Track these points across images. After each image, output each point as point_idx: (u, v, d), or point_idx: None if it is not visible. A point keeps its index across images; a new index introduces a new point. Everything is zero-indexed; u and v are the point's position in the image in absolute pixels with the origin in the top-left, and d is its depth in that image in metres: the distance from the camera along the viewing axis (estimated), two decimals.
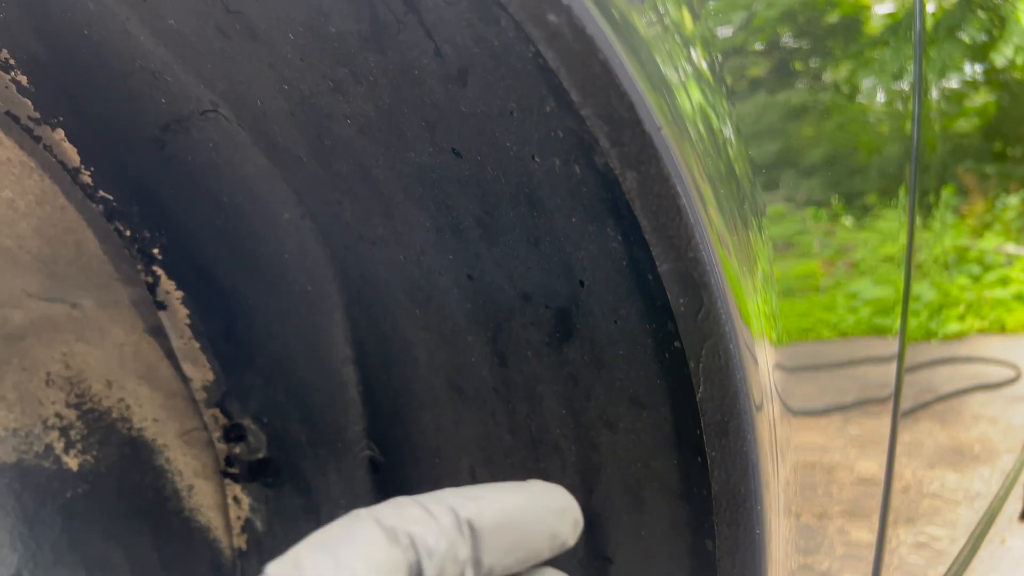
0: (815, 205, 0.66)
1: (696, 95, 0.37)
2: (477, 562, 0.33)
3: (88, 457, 0.69)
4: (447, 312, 0.51)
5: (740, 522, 0.42)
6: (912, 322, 0.93)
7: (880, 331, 0.86)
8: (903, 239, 0.86)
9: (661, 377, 0.44)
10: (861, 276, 0.80)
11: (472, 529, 0.33)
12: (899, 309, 0.88)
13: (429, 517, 0.32)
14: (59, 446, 0.69)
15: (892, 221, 0.83)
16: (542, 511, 0.37)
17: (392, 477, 0.63)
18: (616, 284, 0.42)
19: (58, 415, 0.68)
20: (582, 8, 0.26)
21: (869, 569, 0.95)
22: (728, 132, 0.39)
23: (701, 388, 0.40)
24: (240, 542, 0.71)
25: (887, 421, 0.89)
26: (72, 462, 0.69)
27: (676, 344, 0.40)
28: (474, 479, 0.57)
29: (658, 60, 0.33)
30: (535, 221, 0.42)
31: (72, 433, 0.69)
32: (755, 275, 0.42)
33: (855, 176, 0.76)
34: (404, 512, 0.33)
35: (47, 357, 0.66)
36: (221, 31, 0.41)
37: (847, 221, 0.74)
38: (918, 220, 0.88)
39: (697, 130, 0.36)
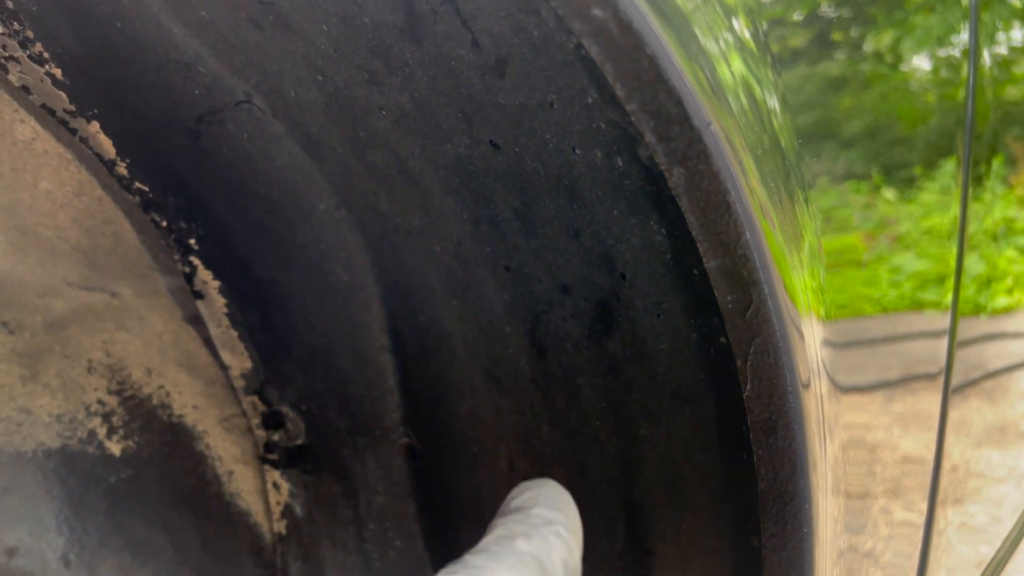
0: (856, 178, 0.64)
1: (738, 65, 0.36)
2: None
3: (130, 443, 0.70)
4: (484, 303, 0.50)
5: (787, 520, 0.41)
6: (960, 295, 0.91)
7: (924, 306, 0.84)
8: (952, 211, 0.84)
9: (705, 372, 0.43)
10: (904, 250, 0.78)
11: None
12: (946, 283, 0.86)
13: None
14: (102, 432, 0.69)
15: (937, 193, 0.81)
16: None
17: (430, 465, 0.62)
18: (659, 278, 0.41)
19: (100, 402, 0.68)
20: (628, 1, 0.25)
21: (912, 549, 0.94)
22: (773, 103, 0.38)
23: (749, 386, 0.38)
24: (280, 527, 0.71)
25: (931, 398, 0.87)
26: (115, 448, 0.70)
27: (722, 339, 0.39)
28: (512, 469, 0.57)
29: (697, 32, 0.31)
30: (575, 213, 0.41)
31: (114, 419, 0.69)
32: (802, 249, 0.40)
33: (897, 147, 0.74)
34: None
35: (88, 345, 0.66)
36: (254, 22, 0.40)
37: (889, 194, 0.71)
38: (969, 191, 0.85)
39: (739, 102, 0.35)
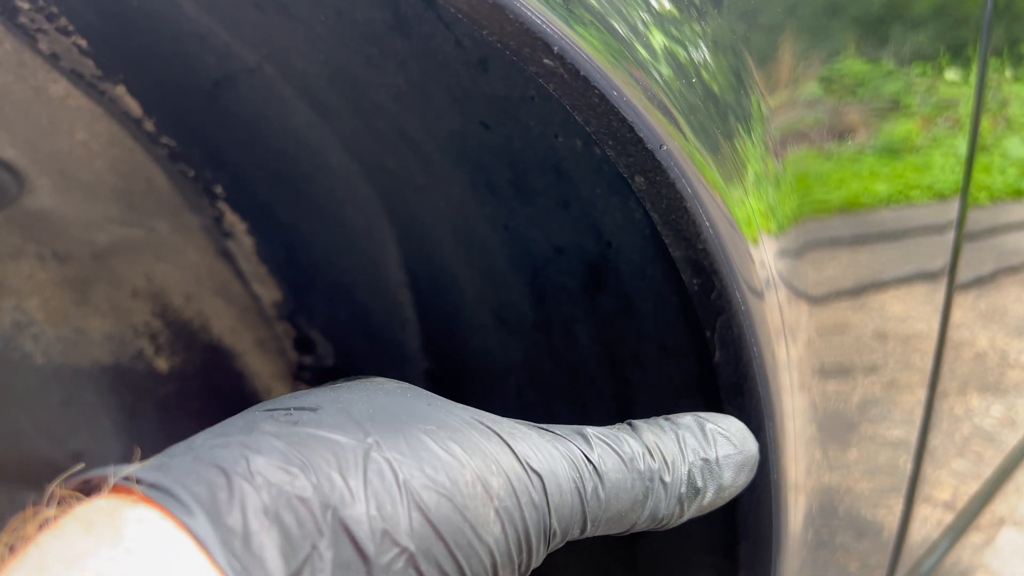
0: (922, 59, 0.63)
1: (659, 39, 0.36)
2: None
3: (175, 360, 0.76)
4: (488, 254, 0.53)
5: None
6: (998, 180, 0.90)
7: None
8: (1005, 90, 0.82)
9: (686, 330, 0.46)
10: (964, 133, 0.76)
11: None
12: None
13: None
14: (149, 350, 0.75)
15: (999, 72, 0.79)
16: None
17: (448, 390, 0.67)
18: (641, 248, 0.44)
19: (146, 324, 0.74)
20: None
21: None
22: (700, 55, 0.38)
23: (717, 353, 0.42)
24: None
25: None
26: (162, 365, 0.76)
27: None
28: (520, 398, 0.62)
29: (615, 25, 0.32)
30: (562, 188, 0.43)
31: (160, 339, 0.75)
32: (746, 178, 0.42)
33: (961, 26, 0.71)
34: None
35: (131, 274, 0.72)
36: (255, 4, 0.42)
37: (951, 75, 0.70)
38: (1008, 72, 0.83)
39: (661, 73, 0.36)
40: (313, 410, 0.31)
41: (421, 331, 0.66)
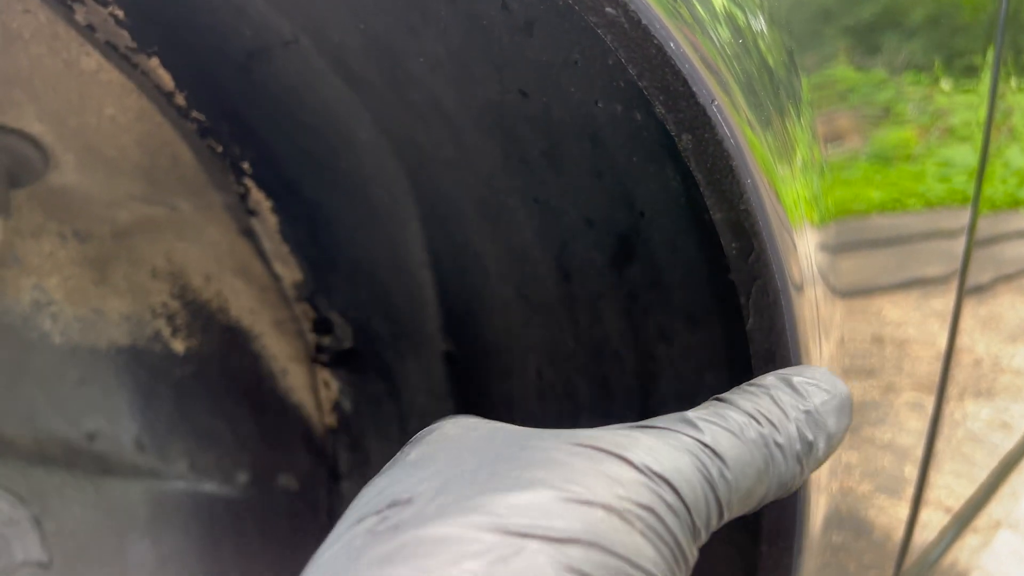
0: (915, 69, 0.64)
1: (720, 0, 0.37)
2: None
3: (192, 342, 0.76)
4: (515, 229, 0.54)
5: None
6: (1000, 189, 0.91)
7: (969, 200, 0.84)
8: (1008, 100, 0.83)
9: (715, 302, 0.47)
10: (959, 142, 0.77)
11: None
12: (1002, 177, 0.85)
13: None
14: (166, 332, 0.76)
15: (1004, 82, 0.79)
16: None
17: (466, 371, 0.68)
18: (675, 218, 0.45)
19: (164, 304, 0.75)
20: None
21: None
22: (759, 24, 0.39)
23: (751, 320, 0.42)
24: (330, 420, 0.78)
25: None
26: (179, 346, 0.77)
27: (729, 276, 0.43)
28: (540, 377, 0.62)
29: None
30: (598, 157, 0.44)
31: (177, 320, 0.75)
32: (794, 162, 0.42)
33: (957, 36, 0.72)
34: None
35: (151, 253, 0.72)
36: None
37: (946, 85, 0.71)
38: (1012, 82, 0.85)
39: (719, 34, 0.36)
40: (408, 502, 0.29)
41: (441, 312, 0.67)
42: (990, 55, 0.77)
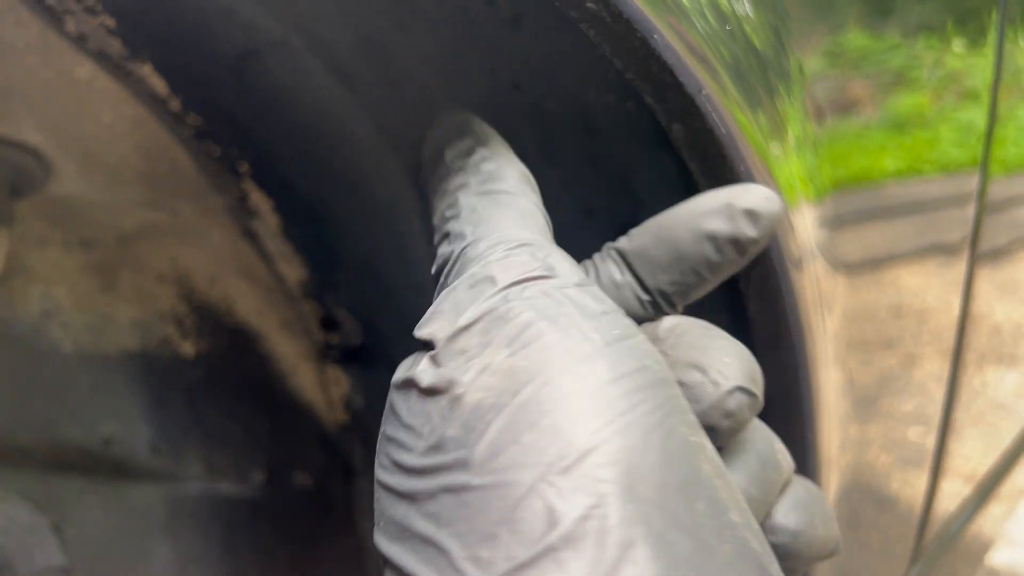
0: (928, 31, 0.63)
1: None
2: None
3: (202, 345, 0.77)
4: None
5: (793, 422, 0.46)
6: (1012, 151, 0.90)
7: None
8: (1019, 60, 0.82)
9: (717, 288, 0.47)
10: (974, 105, 0.76)
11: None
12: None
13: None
14: (176, 336, 0.76)
15: (1014, 43, 0.78)
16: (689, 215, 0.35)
17: None
18: (674, 204, 0.44)
19: (171, 308, 0.75)
20: None
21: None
22: (743, 8, 0.38)
23: (752, 304, 0.42)
24: (343, 417, 0.79)
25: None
26: (189, 349, 0.77)
27: None
28: None
29: None
30: (594, 148, 0.44)
31: (186, 324, 0.76)
32: (786, 140, 0.42)
33: None
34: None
35: (156, 258, 0.72)
36: None
37: (958, 46, 0.70)
38: (1022, 42, 0.83)
39: (704, 20, 0.36)
40: None
41: None
42: (995, 15, 0.75)
